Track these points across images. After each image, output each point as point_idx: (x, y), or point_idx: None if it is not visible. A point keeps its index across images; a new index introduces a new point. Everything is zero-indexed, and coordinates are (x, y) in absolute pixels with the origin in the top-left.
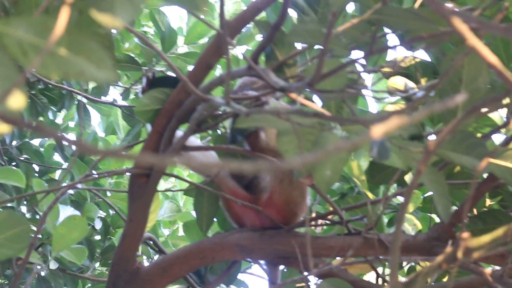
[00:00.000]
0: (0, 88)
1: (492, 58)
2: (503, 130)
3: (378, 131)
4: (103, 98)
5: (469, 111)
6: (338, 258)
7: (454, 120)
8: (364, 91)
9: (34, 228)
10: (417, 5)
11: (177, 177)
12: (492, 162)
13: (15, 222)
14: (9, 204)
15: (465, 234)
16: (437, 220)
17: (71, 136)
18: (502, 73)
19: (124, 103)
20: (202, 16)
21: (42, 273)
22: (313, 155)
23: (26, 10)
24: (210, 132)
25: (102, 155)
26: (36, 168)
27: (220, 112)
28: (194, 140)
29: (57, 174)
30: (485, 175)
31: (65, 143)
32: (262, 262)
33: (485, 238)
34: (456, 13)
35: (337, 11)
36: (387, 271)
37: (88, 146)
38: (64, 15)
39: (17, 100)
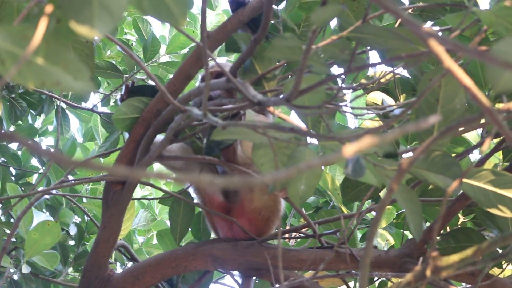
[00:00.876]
0: None
1: (467, 80)
2: (477, 150)
3: (350, 149)
4: (83, 104)
5: (444, 131)
6: (309, 271)
7: (429, 139)
8: (342, 107)
9: (8, 232)
10: (397, 24)
11: (152, 185)
12: (466, 182)
13: None
14: None
15: (434, 253)
16: (410, 236)
17: (50, 140)
18: (476, 95)
19: (104, 109)
20: (184, 27)
21: (15, 277)
22: (286, 171)
23: (6, 18)
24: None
25: (75, 166)
26: (13, 171)
27: (197, 123)
28: (171, 147)
29: (34, 178)
30: (459, 193)
31: (39, 152)
32: (234, 272)
33: (454, 257)
34: (433, 35)
35: (317, 28)
36: (358, 285)
37: (61, 156)
38: (42, 25)
39: None
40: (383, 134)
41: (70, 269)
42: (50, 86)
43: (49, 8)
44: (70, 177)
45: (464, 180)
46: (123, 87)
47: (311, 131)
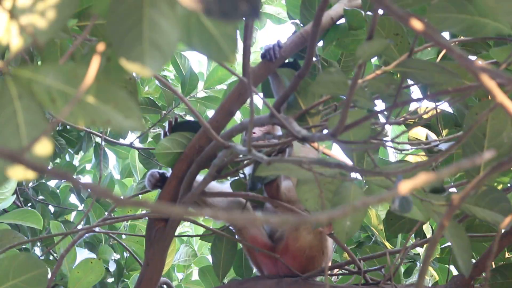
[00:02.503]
0: (28, 134)
1: None
2: None
3: (405, 187)
4: (121, 141)
5: (495, 167)
6: None
7: (478, 175)
8: (387, 142)
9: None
10: (439, 58)
11: (194, 222)
12: None
13: (33, 265)
14: (23, 246)
15: None
16: (455, 271)
17: (87, 178)
18: None
19: (142, 145)
20: (225, 64)
21: None
22: (340, 210)
23: (51, 57)
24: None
25: (117, 203)
26: (52, 209)
27: (241, 159)
28: (215, 185)
29: (72, 216)
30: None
31: (82, 187)
32: None
33: None
34: (485, 69)
35: (363, 63)
36: None
37: (105, 191)
38: (94, 64)
39: (44, 148)
40: (431, 169)
41: None
42: (101, 125)
43: (101, 47)
44: (111, 215)
45: None
46: (166, 123)
47: (356, 167)
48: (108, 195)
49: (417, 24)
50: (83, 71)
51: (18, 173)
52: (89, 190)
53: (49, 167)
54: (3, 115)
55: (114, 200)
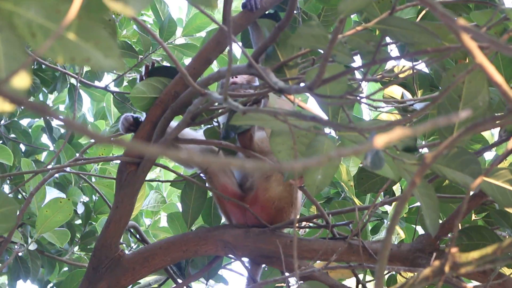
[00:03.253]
0: (7, 66)
1: (498, 77)
2: (494, 148)
3: (381, 140)
4: (96, 83)
5: (469, 128)
6: (319, 261)
7: (451, 135)
8: (362, 99)
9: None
10: (418, 18)
11: (165, 167)
12: (484, 180)
13: (3, 201)
14: None
15: (454, 249)
16: (421, 231)
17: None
18: (506, 92)
19: (117, 89)
20: (205, 11)
21: (20, 253)
22: (312, 160)
23: None
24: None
25: (94, 139)
26: (23, 148)
27: (216, 107)
28: (188, 131)
29: (43, 156)
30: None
31: (58, 122)
32: (244, 259)
33: (474, 254)
34: (468, 29)
35: (345, 18)
36: (368, 277)
37: (80, 126)
38: (77, 0)
39: (23, 81)
40: (411, 126)
41: (76, 248)
42: (80, 62)
43: None
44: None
45: (483, 178)
46: (143, 68)
47: (332, 121)
48: (84, 130)
49: None
50: (66, 7)
51: None
52: (65, 124)
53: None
54: None
55: (90, 136)
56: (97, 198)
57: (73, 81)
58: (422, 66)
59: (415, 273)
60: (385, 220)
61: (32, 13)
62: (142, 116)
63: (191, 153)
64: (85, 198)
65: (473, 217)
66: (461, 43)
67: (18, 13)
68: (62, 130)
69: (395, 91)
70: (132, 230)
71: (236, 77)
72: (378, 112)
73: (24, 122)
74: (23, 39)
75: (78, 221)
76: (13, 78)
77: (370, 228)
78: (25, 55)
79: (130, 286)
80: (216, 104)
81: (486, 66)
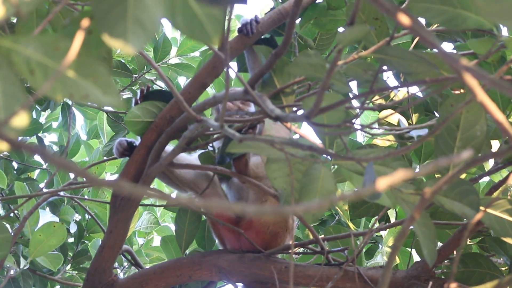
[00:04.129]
0: (5, 105)
1: (499, 115)
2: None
3: (383, 184)
4: (89, 102)
5: (469, 164)
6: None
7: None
8: (358, 126)
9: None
10: (413, 44)
11: (159, 196)
12: (482, 210)
13: None
14: None
15: (453, 285)
16: (415, 255)
17: (53, 137)
18: (507, 131)
19: (111, 108)
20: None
21: (12, 272)
22: (313, 203)
23: (27, 24)
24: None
25: (86, 179)
26: (15, 165)
27: (211, 132)
28: (183, 155)
29: (36, 173)
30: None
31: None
32: (238, 284)
33: None
34: (468, 69)
35: (342, 48)
36: None
37: (71, 165)
38: (78, 39)
39: (21, 121)
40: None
41: (68, 267)
42: (79, 99)
43: (85, 22)
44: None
45: (481, 208)
46: (138, 92)
47: (329, 150)
48: (74, 169)
49: (404, 19)
50: (65, 44)
51: None
52: (51, 162)
53: (22, 139)
54: None
55: (79, 174)
56: (89, 217)
57: (66, 99)
58: (416, 90)
59: None
60: (379, 245)
61: (31, 50)
62: (137, 141)
63: (190, 199)
64: (78, 217)
65: (468, 242)
66: (463, 82)
67: (17, 50)
68: (55, 148)
69: (393, 117)
70: (126, 254)
71: (232, 103)
72: (372, 138)
73: (18, 140)
74: (21, 77)
75: (71, 239)
76: (13, 118)
77: (364, 251)
78: (23, 93)
79: None
80: (212, 129)
81: (487, 104)
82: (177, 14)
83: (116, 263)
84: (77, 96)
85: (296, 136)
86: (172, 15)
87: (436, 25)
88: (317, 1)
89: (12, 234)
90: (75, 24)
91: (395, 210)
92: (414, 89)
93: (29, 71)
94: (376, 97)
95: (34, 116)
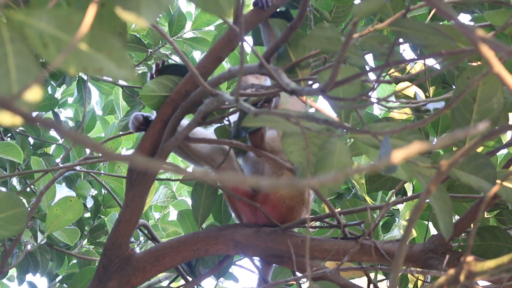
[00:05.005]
0: (18, 79)
1: None
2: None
3: (398, 156)
4: (105, 77)
5: (485, 136)
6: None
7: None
8: (374, 99)
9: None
10: (430, 16)
11: (175, 170)
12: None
13: (13, 203)
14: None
15: (469, 258)
16: (432, 227)
17: (69, 112)
18: None
19: (126, 83)
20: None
21: (28, 246)
22: (329, 176)
23: (43, 1)
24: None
25: (101, 154)
26: (31, 141)
27: (227, 106)
28: (199, 130)
29: (51, 149)
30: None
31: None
32: (255, 258)
33: (490, 264)
34: (485, 40)
35: (358, 20)
36: (379, 277)
37: (86, 140)
38: (91, 12)
39: (34, 94)
40: (428, 141)
41: (85, 242)
42: (93, 72)
43: None
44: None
45: (498, 181)
46: (154, 66)
47: (345, 124)
48: (89, 144)
49: None
50: (78, 17)
51: (6, 119)
52: (67, 136)
53: (38, 114)
54: None
55: (95, 149)
56: (106, 192)
57: (82, 74)
58: (433, 62)
59: (428, 276)
60: (396, 218)
61: (44, 23)
62: (152, 115)
63: (205, 172)
64: (94, 192)
65: (485, 215)
66: (480, 54)
67: (30, 24)
68: (71, 123)
69: (410, 89)
70: (142, 229)
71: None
72: (388, 108)
73: (32, 114)
74: (35, 50)
75: (87, 214)
76: (26, 92)
77: (381, 224)
78: (37, 66)
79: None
80: (227, 103)
81: (504, 76)
82: None
83: (133, 238)
84: (91, 69)
85: (311, 110)
86: None
87: None
88: None
89: (29, 209)
90: None
91: (412, 184)
92: (431, 62)
93: (43, 45)
94: (392, 70)
95: (50, 92)
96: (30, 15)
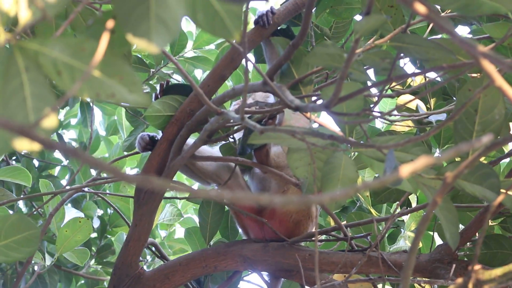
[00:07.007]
0: (34, 107)
1: None
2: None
3: (406, 170)
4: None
5: (489, 147)
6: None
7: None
8: (377, 114)
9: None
10: (428, 29)
11: (182, 189)
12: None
13: (25, 226)
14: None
15: (477, 266)
16: (437, 238)
17: (72, 133)
18: None
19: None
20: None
21: (36, 268)
22: (339, 193)
23: (48, 28)
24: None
25: (111, 173)
26: (36, 163)
27: (232, 124)
28: (204, 147)
29: (56, 170)
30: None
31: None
32: (263, 273)
33: (497, 271)
34: (486, 55)
35: (359, 38)
36: (387, 287)
37: (97, 161)
38: (104, 40)
39: (51, 122)
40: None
41: (92, 262)
42: (105, 98)
43: (110, 23)
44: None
45: (502, 190)
46: (158, 86)
47: (349, 138)
48: (101, 165)
49: (420, 8)
50: (90, 45)
51: (25, 146)
52: (76, 157)
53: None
54: (11, 87)
55: (107, 170)
56: (112, 211)
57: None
58: (434, 75)
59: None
60: (402, 229)
61: (57, 52)
62: (158, 135)
63: (218, 193)
64: (100, 212)
65: (490, 223)
66: (481, 67)
67: (43, 53)
68: (75, 145)
69: (412, 102)
70: (150, 247)
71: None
72: (391, 124)
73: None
74: (49, 78)
75: (94, 235)
76: (43, 120)
77: (387, 236)
78: (52, 94)
79: None
80: (232, 121)
81: (505, 88)
82: (198, 12)
83: (142, 257)
84: (103, 95)
85: (315, 125)
86: (194, 13)
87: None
88: None
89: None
90: (98, 25)
91: (416, 195)
92: (432, 74)
93: (57, 72)
94: (394, 83)
95: None
96: (43, 44)
